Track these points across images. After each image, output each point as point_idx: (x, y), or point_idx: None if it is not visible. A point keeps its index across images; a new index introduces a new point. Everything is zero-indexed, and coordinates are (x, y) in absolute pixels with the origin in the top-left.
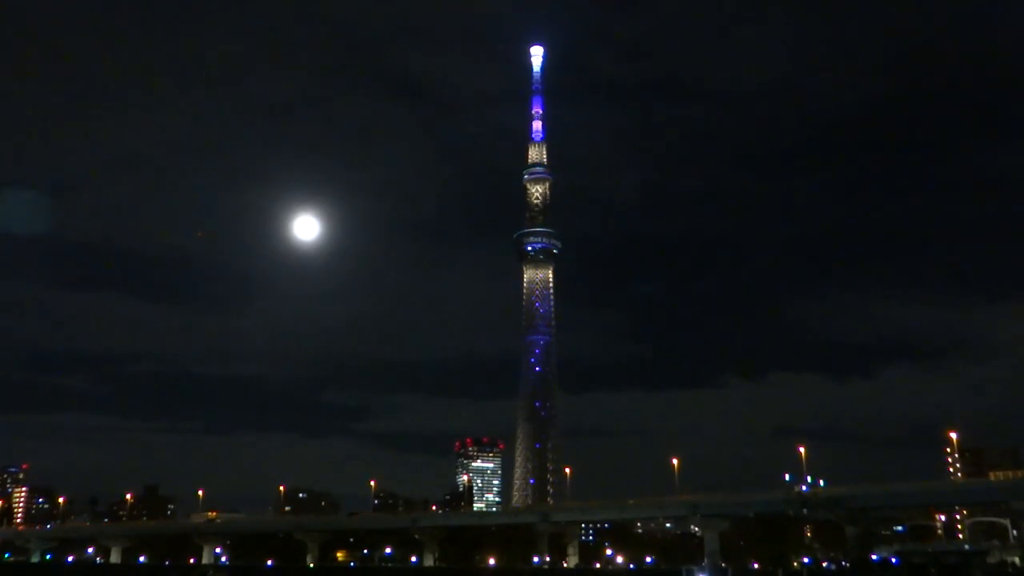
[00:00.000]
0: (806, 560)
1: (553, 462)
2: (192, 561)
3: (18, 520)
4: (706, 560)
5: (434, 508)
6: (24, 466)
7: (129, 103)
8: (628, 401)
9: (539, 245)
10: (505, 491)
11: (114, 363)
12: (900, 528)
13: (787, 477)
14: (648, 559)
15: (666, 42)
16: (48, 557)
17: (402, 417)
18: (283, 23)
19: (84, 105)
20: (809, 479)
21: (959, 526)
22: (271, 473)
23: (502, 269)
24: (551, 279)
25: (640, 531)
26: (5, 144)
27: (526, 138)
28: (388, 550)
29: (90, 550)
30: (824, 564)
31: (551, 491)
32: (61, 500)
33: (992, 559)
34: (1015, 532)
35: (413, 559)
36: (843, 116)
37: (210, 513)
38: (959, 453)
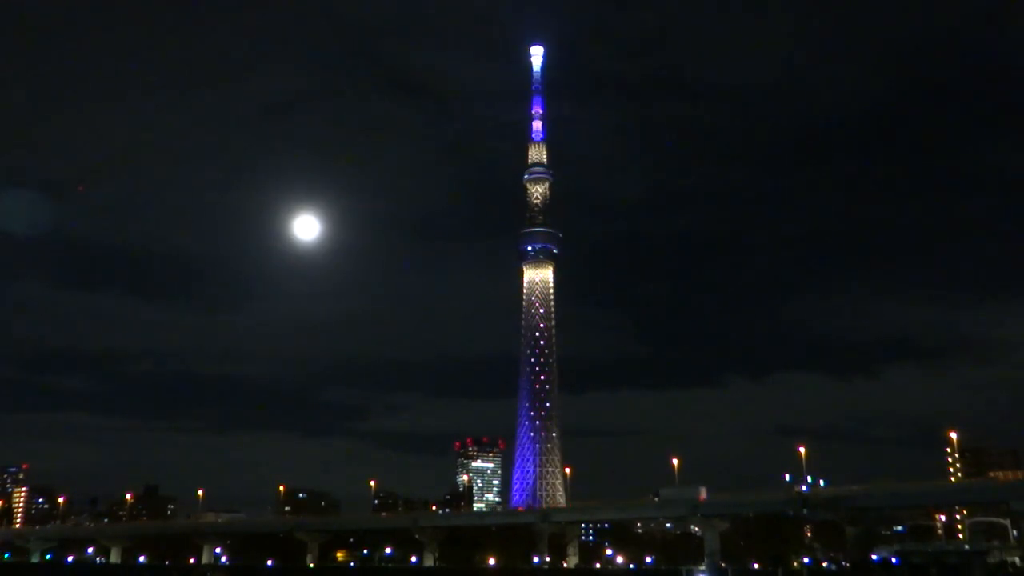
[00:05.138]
0: (806, 560)
1: (553, 462)
2: (192, 561)
3: (18, 520)
4: (706, 560)
5: (434, 508)
6: (24, 466)
7: (129, 103)
8: (629, 401)
9: (539, 245)
10: (505, 491)
11: (114, 363)
12: (900, 528)
13: (787, 477)
14: (648, 559)
15: (668, 40)
16: (48, 557)
17: (402, 417)
18: (283, 21)
19: (84, 105)
20: (809, 479)
21: (959, 526)
22: (271, 473)
23: (502, 269)
24: (551, 279)
25: (640, 531)
26: (5, 144)
27: (527, 137)
28: (388, 550)
29: (90, 550)
30: (824, 564)
31: (550, 491)
32: (61, 500)
33: (992, 559)
34: (1015, 532)
35: (413, 559)
36: (845, 115)
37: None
38: (959, 453)
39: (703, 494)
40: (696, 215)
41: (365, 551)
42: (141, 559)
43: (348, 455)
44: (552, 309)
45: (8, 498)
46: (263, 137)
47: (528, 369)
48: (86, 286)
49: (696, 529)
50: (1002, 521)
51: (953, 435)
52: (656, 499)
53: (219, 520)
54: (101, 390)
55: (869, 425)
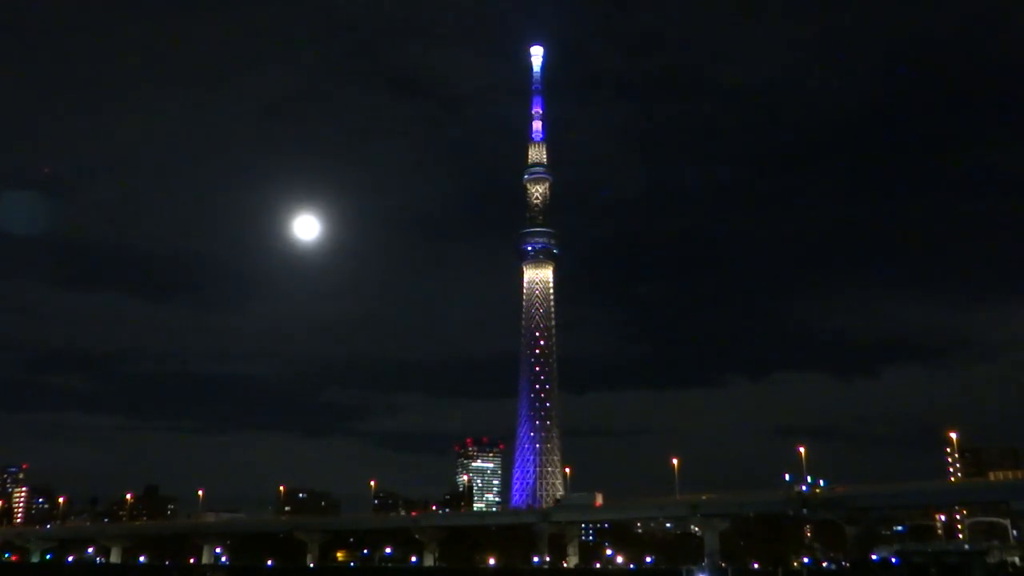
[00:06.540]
0: (806, 560)
1: (553, 462)
2: (192, 561)
3: (18, 520)
4: (706, 560)
5: (434, 508)
6: (24, 466)
7: (129, 102)
8: (629, 401)
9: (539, 245)
10: (505, 491)
11: (114, 363)
12: (900, 528)
13: (787, 477)
14: (648, 559)
15: (668, 39)
16: (48, 557)
17: (402, 417)
18: (283, 20)
19: (84, 104)
20: (809, 479)
21: (959, 526)
22: (271, 473)
23: (502, 269)
24: (551, 279)
25: (640, 531)
26: (5, 143)
27: (527, 137)
28: (388, 550)
29: (90, 550)
30: (824, 564)
31: (550, 491)
32: (61, 500)
33: (992, 559)
34: (1015, 532)
35: (413, 559)
36: (845, 114)
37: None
38: (959, 453)
39: (599, 500)
40: (696, 215)
41: (365, 551)
42: (141, 559)
43: (348, 455)
44: (552, 309)
45: (8, 498)
46: (263, 137)
47: (528, 369)
48: (86, 286)
49: (696, 529)
50: (1002, 521)
51: (953, 435)
52: (557, 503)
53: (219, 520)
54: (101, 390)
55: (869, 425)
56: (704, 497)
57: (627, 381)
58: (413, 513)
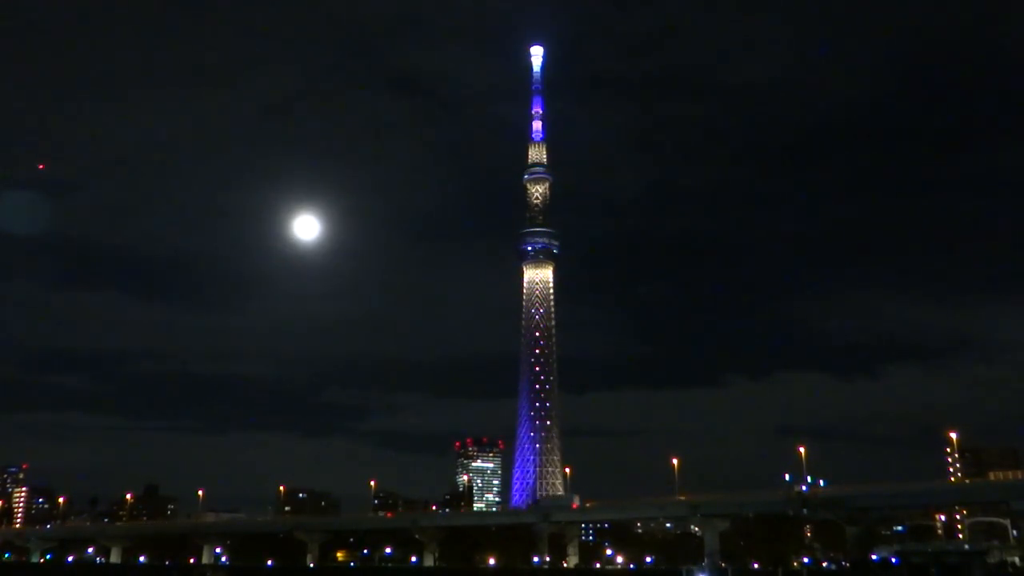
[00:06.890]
0: (806, 560)
1: (553, 462)
2: (192, 561)
3: (18, 520)
4: (706, 560)
5: (434, 508)
6: (24, 466)
7: (129, 102)
8: (629, 400)
9: (539, 245)
10: (505, 491)
11: (114, 363)
12: (900, 528)
13: (787, 477)
14: (648, 559)
15: (668, 39)
16: (48, 557)
17: (402, 417)
18: (283, 20)
19: (84, 104)
20: (809, 479)
21: (959, 526)
22: (271, 473)
23: (502, 269)
24: (551, 279)
25: (640, 531)
26: (5, 143)
27: (527, 137)
28: (388, 550)
29: (90, 550)
30: (824, 564)
31: (550, 491)
32: (61, 500)
33: (992, 559)
34: (1015, 532)
35: (413, 559)
36: (845, 114)
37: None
38: (959, 453)
39: (576, 502)
40: (696, 215)
41: (365, 551)
42: (141, 559)
43: (348, 455)
44: (552, 309)
45: (8, 498)
46: (263, 137)
47: (528, 369)
48: (86, 286)
49: (696, 529)
50: (1002, 521)
51: (953, 435)
52: (536, 505)
53: (219, 520)
54: (101, 390)
55: (869, 425)
56: (703, 497)
57: (627, 381)
58: (388, 515)
